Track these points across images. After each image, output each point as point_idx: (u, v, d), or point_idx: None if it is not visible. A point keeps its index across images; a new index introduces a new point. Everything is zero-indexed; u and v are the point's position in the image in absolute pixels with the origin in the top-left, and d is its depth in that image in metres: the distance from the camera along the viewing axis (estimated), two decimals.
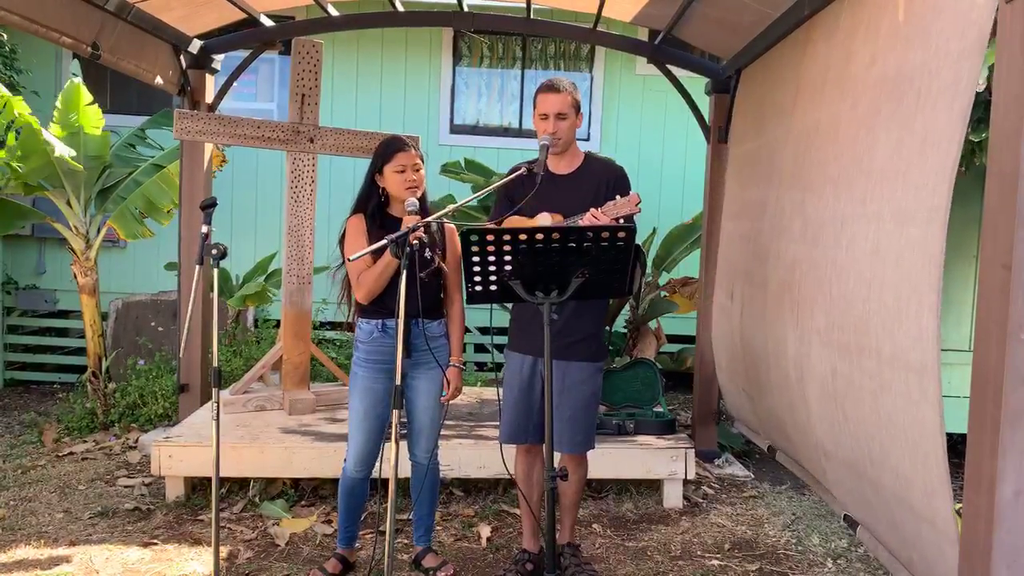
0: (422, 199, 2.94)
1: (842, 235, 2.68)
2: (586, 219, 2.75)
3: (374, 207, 2.98)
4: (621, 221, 2.71)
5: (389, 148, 2.95)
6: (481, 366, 7.03)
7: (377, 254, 2.80)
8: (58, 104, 5.07)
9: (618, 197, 2.79)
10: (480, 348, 7.13)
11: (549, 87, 2.94)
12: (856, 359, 2.57)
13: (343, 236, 3.03)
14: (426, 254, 2.92)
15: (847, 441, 2.72)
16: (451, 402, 3.07)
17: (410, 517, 3.26)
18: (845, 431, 2.72)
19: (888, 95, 2.45)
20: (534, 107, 2.98)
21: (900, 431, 2.35)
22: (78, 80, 5.12)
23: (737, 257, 4.01)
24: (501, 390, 3.11)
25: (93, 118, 5.08)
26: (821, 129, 2.94)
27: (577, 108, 2.98)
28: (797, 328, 3.01)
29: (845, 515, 2.93)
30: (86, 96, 5.05)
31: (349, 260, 2.86)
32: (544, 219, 2.92)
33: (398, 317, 2.55)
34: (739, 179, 4.18)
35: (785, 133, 3.34)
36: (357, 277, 2.92)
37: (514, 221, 2.87)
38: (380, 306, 2.94)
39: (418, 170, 2.95)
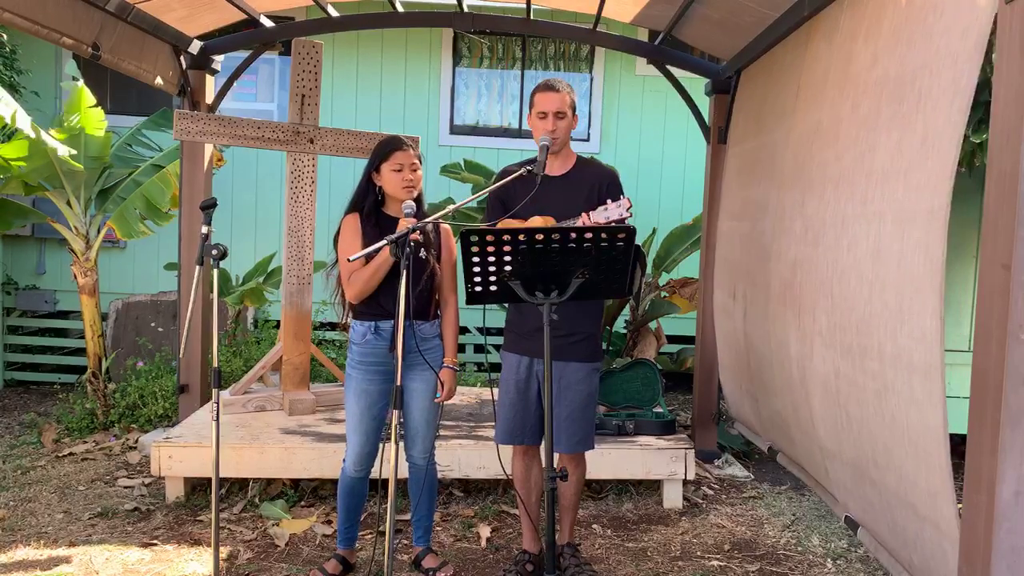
0: (419, 200, 2.95)
1: (843, 235, 2.68)
2: (579, 223, 2.75)
3: (370, 206, 2.99)
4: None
5: (387, 146, 2.96)
6: (481, 366, 7.03)
7: (374, 255, 2.79)
8: (63, 107, 5.07)
9: (609, 202, 2.79)
10: (480, 348, 7.13)
11: (548, 86, 2.96)
12: (859, 360, 2.57)
13: (338, 234, 3.03)
14: (421, 255, 2.92)
15: (850, 442, 2.72)
16: (451, 403, 3.08)
17: (409, 518, 3.26)
18: (848, 432, 2.72)
19: (889, 96, 2.45)
20: (531, 107, 2.99)
21: (903, 432, 2.35)
22: (80, 83, 5.12)
23: (738, 257, 4.01)
24: (495, 390, 3.12)
25: (95, 120, 5.08)
26: (822, 130, 2.95)
27: (574, 109, 2.99)
28: (799, 329, 3.01)
29: (846, 517, 2.93)
30: (89, 99, 5.06)
31: (348, 260, 2.86)
32: (536, 222, 2.91)
33: (397, 318, 2.55)
34: (739, 178, 4.19)
35: (786, 133, 3.34)
36: (348, 276, 2.92)
37: (509, 223, 2.87)
38: (373, 307, 2.94)
39: (415, 170, 2.96)
